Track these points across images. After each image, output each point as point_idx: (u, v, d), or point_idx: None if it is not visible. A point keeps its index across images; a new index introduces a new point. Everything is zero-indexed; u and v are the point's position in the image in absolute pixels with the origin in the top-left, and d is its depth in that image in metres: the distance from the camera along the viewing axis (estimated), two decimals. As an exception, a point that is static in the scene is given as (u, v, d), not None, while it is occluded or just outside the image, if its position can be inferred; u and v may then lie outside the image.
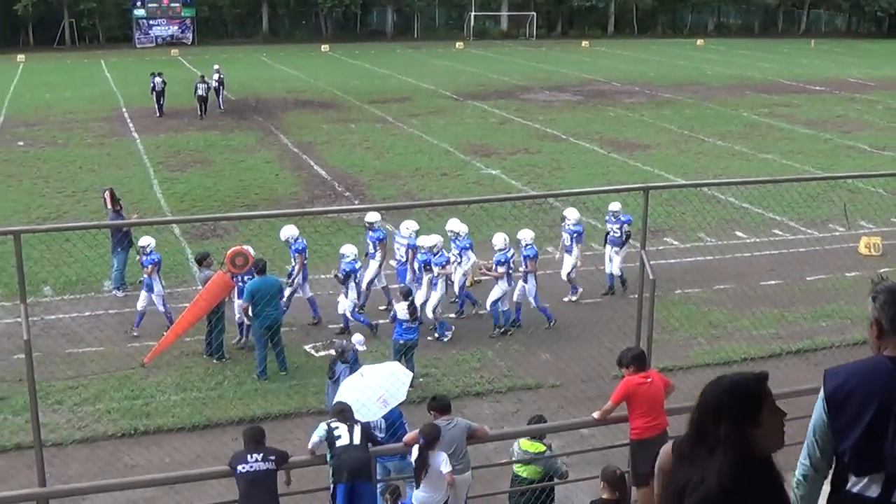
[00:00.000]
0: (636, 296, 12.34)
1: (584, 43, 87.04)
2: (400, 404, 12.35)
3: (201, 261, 18.42)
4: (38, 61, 71.11)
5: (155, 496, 13.05)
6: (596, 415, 11.31)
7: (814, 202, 24.55)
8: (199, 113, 44.18)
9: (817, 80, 59.89)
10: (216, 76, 47.06)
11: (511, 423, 14.49)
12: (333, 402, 11.42)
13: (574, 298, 20.93)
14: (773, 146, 38.03)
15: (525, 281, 19.40)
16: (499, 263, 19.06)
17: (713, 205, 26.90)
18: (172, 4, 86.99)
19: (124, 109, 47.08)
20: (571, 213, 20.83)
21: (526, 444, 11.78)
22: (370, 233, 20.13)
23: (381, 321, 18.93)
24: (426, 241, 19.11)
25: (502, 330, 19.16)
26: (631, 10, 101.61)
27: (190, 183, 31.78)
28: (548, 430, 12.02)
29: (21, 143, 38.66)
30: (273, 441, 12.17)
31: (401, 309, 16.53)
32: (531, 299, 19.51)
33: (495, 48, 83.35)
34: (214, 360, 17.83)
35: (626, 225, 20.83)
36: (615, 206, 21.01)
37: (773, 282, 21.70)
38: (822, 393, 5.30)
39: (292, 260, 19.55)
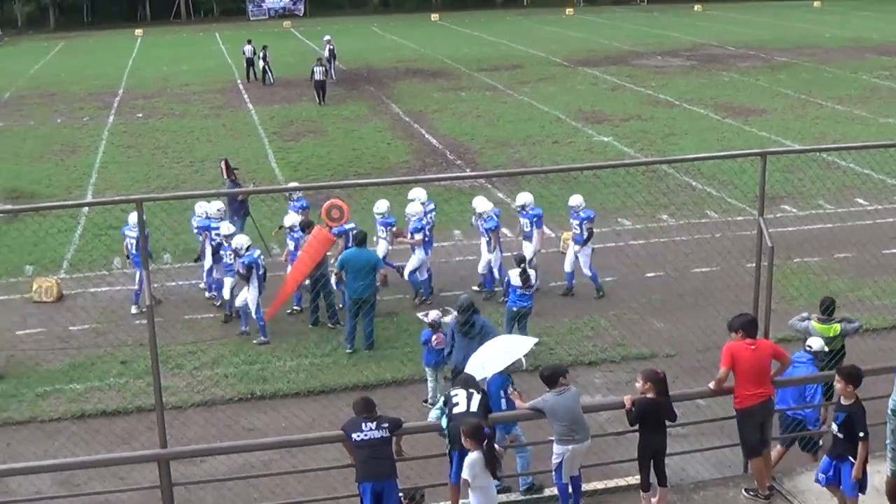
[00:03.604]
0: (752, 264, 12.12)
1: (697, 7, 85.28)
2: (512, 373, 12.37)
3: (305, 227, 18.56)
4: (155, 36, 72.61)
5: (271, 459, 13.27)
6: (711, 385, 11.20)
7: (939, 168, 23.74)
8: (317, 99, 41.02)
9: (941, 41, 57.83)
10: (327, 47, 47.43)
11: (624, 393, 14.39)
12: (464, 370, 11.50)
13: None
14: (894, 110, 36.83)
15: (490, 252, 19.14)
16: (415, 231, 18.93)
17: (832, 171, 26.21)
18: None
19: (239, 81, 47.83)
20: (527, 198, 19.37)
21: (820, 327, 13.26)
22: (292, 203, 20.33)
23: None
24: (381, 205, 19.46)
25: (423, 299, 19.09)
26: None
27: (304, 152, 32.17)
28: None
29: (140, 115, 39.61)
30: (387, 407, 12.32)
31: (514, 275, 16.47)
32: (496, 270, 19.29)
33: (606, 13, 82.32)
34: (329, 325, 18.06)
35: (586, 221, 19.14)
36: (575, 199, 19.26)
37: (895, 250, 21.09)
38: None
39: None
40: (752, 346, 10.75)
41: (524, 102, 40.15)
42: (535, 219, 19.27)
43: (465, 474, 9.92)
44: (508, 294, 16.91)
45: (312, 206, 21.21)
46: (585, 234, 19.17)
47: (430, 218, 19.80)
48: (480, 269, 19.41)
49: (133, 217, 18.58)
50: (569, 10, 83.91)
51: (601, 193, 20.18)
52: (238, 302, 17.92)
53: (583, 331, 17.82)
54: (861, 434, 10.26)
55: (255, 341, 17.51)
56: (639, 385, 10.83)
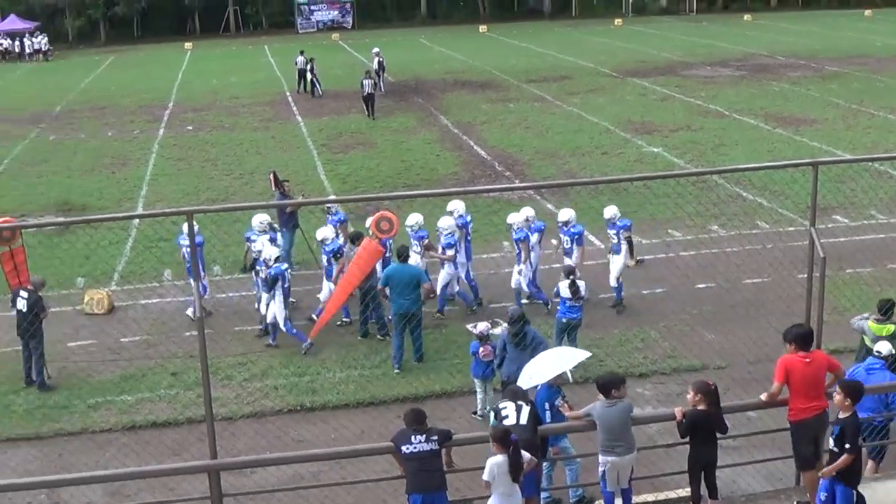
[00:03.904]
0: (804, 275, 11.98)
1: (747, 16, 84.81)
2: (562, 384, 12.33)
3: (354, 240, 18.58)
4: (205, 49, 73.37)
5: (321, 470, 13.28)
6: (763, 397, 11.08)
7: None
8: (366, 113, 40.75)
9: None
10: (376, 59, 47.62)
11: (675, 405, 14.29)
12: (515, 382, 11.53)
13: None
14: (949, 119, 36.37)
15: (519, 263, 18.95)
16: (447, 247, 18.80)
17: (885, 181, 25.89)
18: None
19: (288, 93, 48.17)
20: (570, 214, 19.14)
21: (875, 327, 13.52)
22: (330, 217, 20.28)
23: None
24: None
25: (471, 309, 19.08)
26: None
27: (352, 164, 32.30)
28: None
29: (190, 128, 40.01)
30: (436, 419, 12.28)
31: (563, 287, 16.38)
32: (524, 284, 19.12)
33: (654, 24, 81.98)
34: (378, 337, 18.08)
35: (622, 231, 19.09)
36: (609, 211, 19.22)
37: (950, 261, 20.76)
38: None
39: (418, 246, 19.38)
40: (807, 360, 10.63)
41: (573, 113, 40.06)
42: (576, 236, 19.09)
43: (485, 476, 9.96)
44: (558, 305, 16.82)
45: (361, 219, 21.30)
46: (624, 244, 19.05)
47: (468, 230, 19.69)
48: (513, 283, 19.26)
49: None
50: (617, 21, 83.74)
51: (651, 204, 20.08)
52: (269, 318, 18.01)
53: (633, 342, 17.71)
54: (847, 446, 10.14)
55: (302, 351, 17.57)
56: (690, 397, 10.75)
